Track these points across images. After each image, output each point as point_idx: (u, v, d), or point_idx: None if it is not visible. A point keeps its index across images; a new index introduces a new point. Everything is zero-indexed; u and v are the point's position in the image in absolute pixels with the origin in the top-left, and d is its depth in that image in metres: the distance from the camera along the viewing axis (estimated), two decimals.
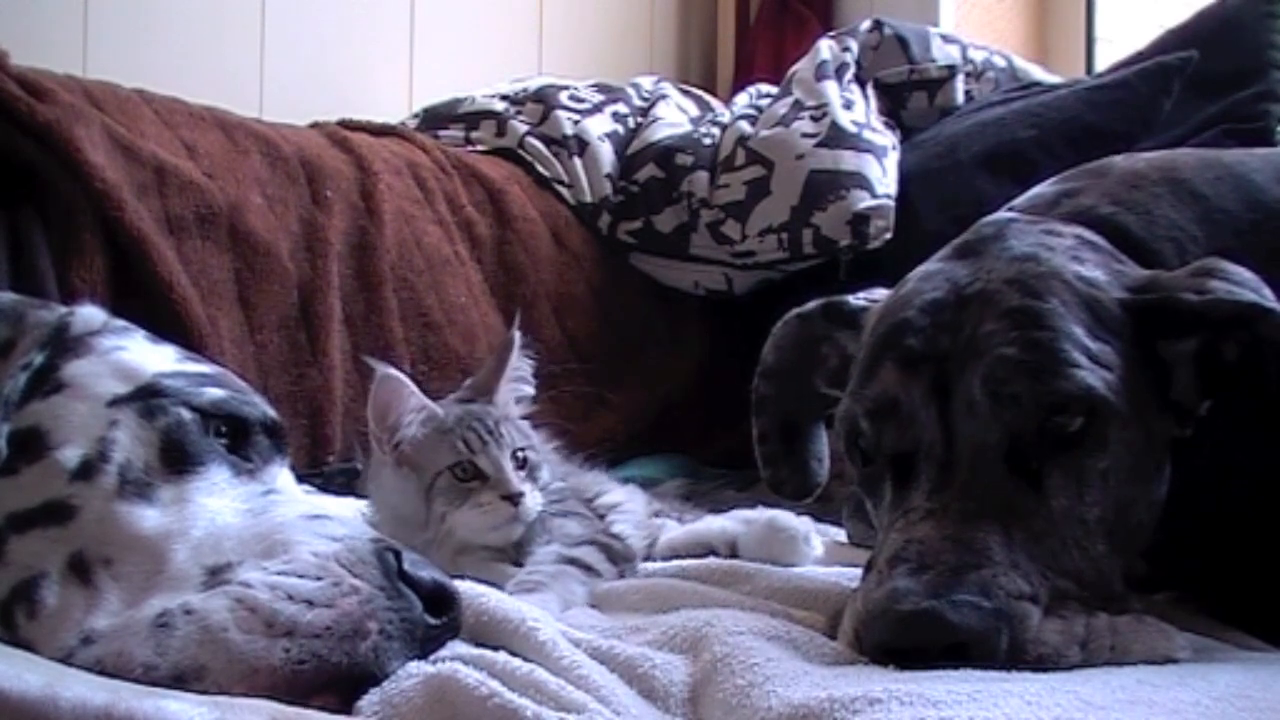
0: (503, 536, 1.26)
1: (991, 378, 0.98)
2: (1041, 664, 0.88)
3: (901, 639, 0.90)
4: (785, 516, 1.39)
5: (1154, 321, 1.03)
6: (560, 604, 1.15)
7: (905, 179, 2.26)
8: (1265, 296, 1.02)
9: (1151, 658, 0.92)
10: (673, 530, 1.46)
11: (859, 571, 1.07)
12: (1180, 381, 1.04)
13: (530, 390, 1.40)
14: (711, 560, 1.33)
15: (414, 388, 1.30)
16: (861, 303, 1.23)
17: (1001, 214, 1.19)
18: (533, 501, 1.27)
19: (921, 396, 1.01)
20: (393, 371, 1.29)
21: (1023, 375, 0.98)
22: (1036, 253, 1.06)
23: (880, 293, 1.21)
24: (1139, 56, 2.23)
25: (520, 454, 1.29)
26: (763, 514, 1.40)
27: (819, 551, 1.40)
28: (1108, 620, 0.93)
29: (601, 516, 1.39)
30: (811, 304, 1.28)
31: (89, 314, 1.04)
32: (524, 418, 1.37)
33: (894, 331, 1.06)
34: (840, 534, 1.59)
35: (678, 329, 2.36)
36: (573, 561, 1.24)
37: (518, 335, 1.39)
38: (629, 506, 1.46)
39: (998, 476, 0.98)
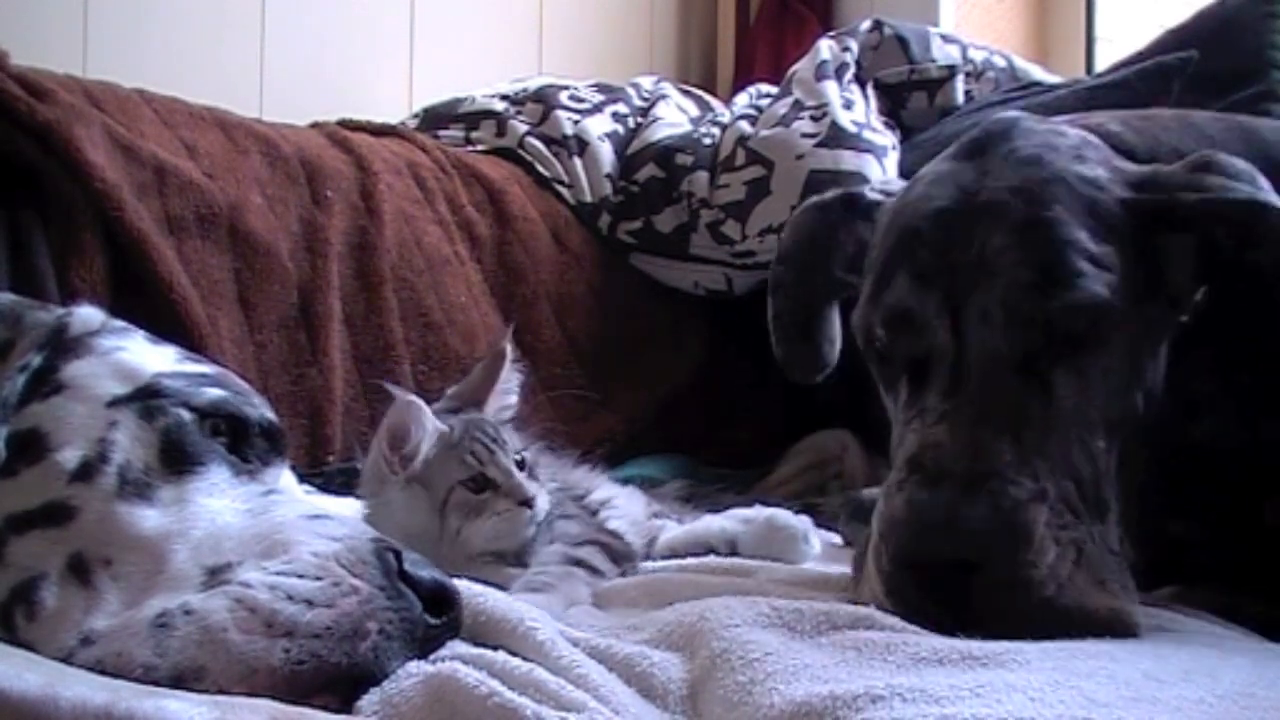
0: (517, 541, 1.26)
1: (1007, 301, 1.03)
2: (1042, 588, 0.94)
3: (920, 551, 0.97)
4: (784, 515, 1.39)
5: (1153, 217, 1.08)
6: (564, 604, 1.15)
7: (905, 179, 2.25)
8: (1260, 187, 1.08)
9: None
10: (672, 530, 1.46)
11: None
12: (1177, 271, 1.08)
13: (514, 404, 1.38)
14: (712, 559, 1.33)
15: (429, 411, 1.28)
16: (878, 196, 1.27)
17: (1010, 112, 1.23)
18: (543, 502, 1.27)
19: (935, 308, 1.06)
20: (412, 397, 1.27)
21: (1036, 295, 1.02)
22: (1040, 155, 1.10)
23: (897, 184, 1.25)
24: (1139, 56, 2.23)
25: (520, 457, 1.29)
26: (761, 513, 1.40)
27: (818, 549, 1.40)
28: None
29: (594, 514, 1.39)
30: (830, 194, 1.34)
31: (87, 314, 1.03)
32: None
33: (906, 241, 1.11)
34: (835, 539, 1.59)
35: (678, 329, 2.36)
36: (578, 562, 1.24)
37: (509, 348, 1.38)
38: (620, 502, 1.46)
39: (1008, 381, 1.02)
